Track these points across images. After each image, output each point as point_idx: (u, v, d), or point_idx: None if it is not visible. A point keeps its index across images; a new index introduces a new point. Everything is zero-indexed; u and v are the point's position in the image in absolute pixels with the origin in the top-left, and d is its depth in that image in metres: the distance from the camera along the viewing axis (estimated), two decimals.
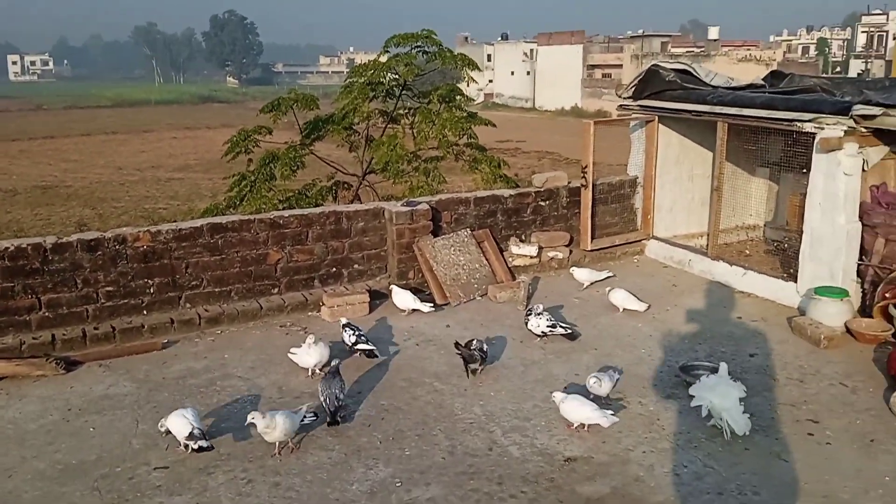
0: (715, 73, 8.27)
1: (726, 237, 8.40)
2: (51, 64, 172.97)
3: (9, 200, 25.86)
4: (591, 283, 7.49)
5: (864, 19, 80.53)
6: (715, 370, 4.94)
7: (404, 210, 7.23)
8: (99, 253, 6.14)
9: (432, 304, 6.83)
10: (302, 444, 4.55)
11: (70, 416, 4.92)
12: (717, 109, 7.38)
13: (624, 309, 6.79)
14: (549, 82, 69.36)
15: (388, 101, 11.18)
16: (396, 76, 10.83)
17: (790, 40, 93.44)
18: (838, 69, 76.20)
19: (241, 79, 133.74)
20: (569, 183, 8.52)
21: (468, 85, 11.42)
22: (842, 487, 4.11)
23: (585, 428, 4.67)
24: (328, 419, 4.71)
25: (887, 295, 6.14)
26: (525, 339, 6.17)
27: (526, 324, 6.18)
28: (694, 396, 4.76)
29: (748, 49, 64.19)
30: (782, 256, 7.92)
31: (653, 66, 8.36)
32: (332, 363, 4.98)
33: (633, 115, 8.57)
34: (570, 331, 6.15)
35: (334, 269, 7.18)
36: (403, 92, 11.07)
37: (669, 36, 68.35)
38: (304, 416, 4.57)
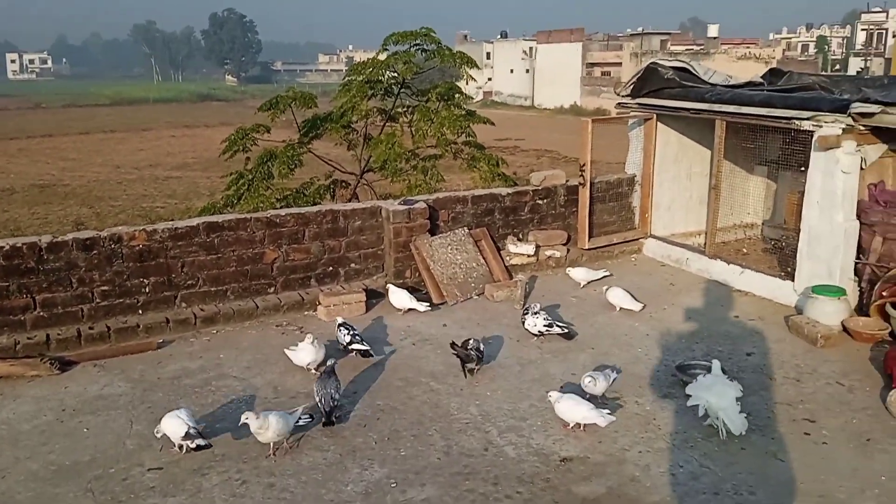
0: (713, 71, 8.24)
1: (724, 235, 8.39)
2: (49, 62, 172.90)
3: (6, 199, 25.83)
4: (588, 283, 7.47)
5: (864, 17, 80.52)
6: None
7: (401, 209, 7.21)
8: (94, 252, 6.12)
9: (429, 304, 6.81)
10: (297, 444, 4.53)
11: (64, 416, 4.90)
12: (716, 107, 7.36)
13: (620, 308, 6.78)
14: (549, 80, 69.28)
15: (387, 100, 11.16)
16: (395, 74, 10.81)
17: (790, 38, 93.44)
18: (838, 67, 76.20)
19: (240, 77, 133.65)
20: (566, 181, 8.50)
21: (467, 83, 11.40)
22: (838, 487, 4.10)
23: (581, 428, 4.65)
24: (323, 419, 4.69)
25: (884, 293, 6.13)
26: (522, 339, 6.15)
27: (523, 323, 6.16)
28: (691, 396, 4.75)
29: (747, 47, 64.14)
30: (780, 255, 7.91)
31: (651, 63, 8.33)
32: (328, 363, 4.96)
33: (632, 114, 8.55)
34: (566, 330, 6.14)
35: (331, 269, 7.16)
36: (402, 90, 11.05)
37: (669, 34, 68.36)
38: (300, 418, 4.55)
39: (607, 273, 7.64)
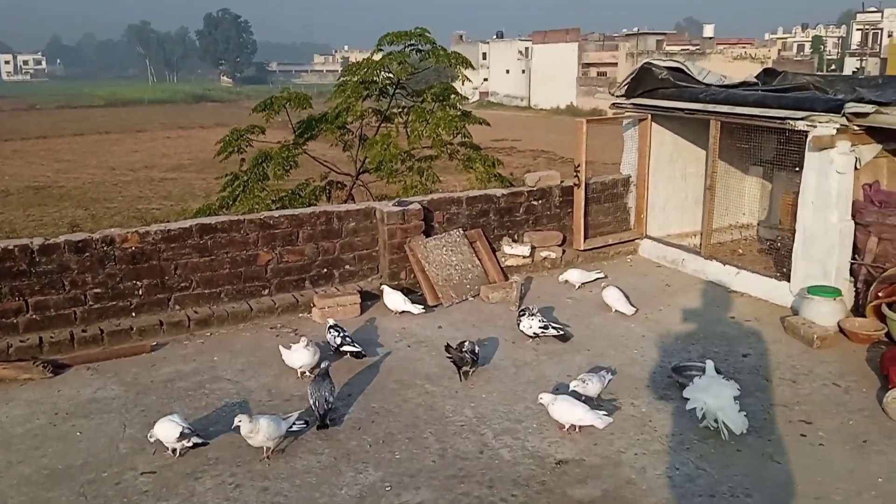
0: (708, 71, 8.24)
1: (720, 236, 8.38)
2: (44, 63, 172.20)
3: (1, 201, 25.74)
4: (583, 284, 7.46)
5: (859, 17, 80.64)
6: None
7: (395, 210, 7.19)
8: (87, 254, 6.08)
9: (423, 306, 6.78)
10: (290, 447, 4.50)
11: (57, 420, 4.87)
12: (710, 108, 7.35)
13: (616, 310, 6.76)
14: (545, 81, 69.31)
15: (382, 100, 11.15)
16: (390, 75, 10.80)
17: (785, 38, 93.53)
18: (833, 67, 76.34)
19: (235, 78, 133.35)
20: (561, 182, 8.48)
21: (463, 84, 11.39)
22: (834, 489, 4.08)
23: (577, 429, 4.64)
24: (317, 423, 4.66)
25: (880, 294, 6.12)
26: (517, 340, 6.13)
27: (518, 325, 6.15)
28: (689, 399, 4.73)
29: (743, 47, 64.31)
30: (775, 255, 7.90)
31: (645, 63, 8.33)
32: (322, 365, 4.94)
33: (626, 114, 8.54)
34: (562, 332, 6.12)
35: (325, 270, 7.13)
36: (397, 91, 11.03)
37: (665, 34, 68.32)
38: (294, 424, 4.52)
39: (601, 275, 7.62)
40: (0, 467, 4.32)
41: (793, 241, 6.90)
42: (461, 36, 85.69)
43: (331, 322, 5.93)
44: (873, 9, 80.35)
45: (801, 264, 6.75)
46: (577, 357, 5.83)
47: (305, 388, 4.91)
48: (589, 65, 68.46)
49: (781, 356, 5.85)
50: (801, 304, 6.45)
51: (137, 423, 4.78)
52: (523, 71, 74.38)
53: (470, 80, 11.57)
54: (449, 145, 10.68)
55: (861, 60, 73.05)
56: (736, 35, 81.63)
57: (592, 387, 4.91)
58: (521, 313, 6.17)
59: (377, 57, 11.08)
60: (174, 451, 4.38)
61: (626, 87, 8.41)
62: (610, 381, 5.10)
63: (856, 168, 6.48)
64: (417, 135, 10.49)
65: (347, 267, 7.24)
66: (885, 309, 5.99)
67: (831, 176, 6.42)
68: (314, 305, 6.64)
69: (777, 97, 6.96)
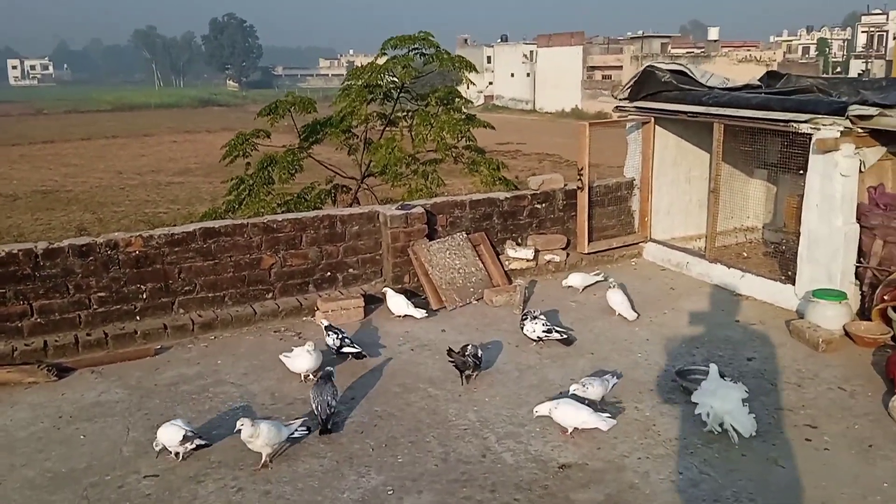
0: (711, 74, 8.24)
1: (724, 239, 8.36)
2: (51, 68, 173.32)
3: (9, 205, 25.82)
4: (586, 287, 7.44)
5: (864, 19, 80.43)
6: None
7: (399, 213, 7.19)
8: (91, 258, 6.10)
9: (425, 310, 6.78)
10: (293, 451, 4.50)
11: (61, 423, 4.89)
12: (713, 110, 7.33)
13: (619, 314, 6.74)
14: (549, 84, 69.27)
15: (387, 104, 11.16)
16: (394, 78, 10.81)
17: (790, 41, 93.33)
18: (838, 69, 76.07)
19: (240, 82, 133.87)
20: (565, 185, 8.48)
21: (468, 87, 11.39)
22: (839, 494, 4.06)
23: (573, 431, 4.61)
24: (320, 427, 4.66)
25: (886, 297, 6.09)
26: (521, 344, 6.12)
27: (522, 328, 6.14)
28: (697, 404, 4.70)
29: (748, 50, 64.08)
30: (780, 259, 7.87)
31: (648, 67, 8.32)
32: (325, 369, 4.93)
33: (630, 117, 8.53)
34: (565, 335, 6.10)
35: (329, 274, 7.14)
36: (401, 94, 11.05)
37: (669, 37, 68.32)
38: (296, 430, 4.52)
39: (601, 278, 7.56)
40: (4, 470, 4.33)
41: (798, 244, 6.87)
42: (466, 39, 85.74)
43: (325, 323, 5.94)
44: (878, 11, 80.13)
45: (806, 268, 6.72)
46: (581, 361, 5.82)
47: (308, 392, 4.92)
48: (594, 68, 68.39)
49: (786, 360, 5.83)
50: (806, 308, 6.42)
51: (141, 426, 4.79)
52: (528, 74, 74.37)
53: (474, 84, 11.57)
54: (453, 149, 10.69)
55: (866, 63, 72.83)
56: (741, 38, 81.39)
57: (594, 390, 4.89)
58: (525, 317, 6.16)
59: (381, 61, 11.09)
60: (177, 454, 4.39)
61: (629, 90, 8.41)
62: (615, 384, 5.08)
63: (860, 171, 6.45)
64: (422, 138, 10.51)
65: (351, 270, 7.24)
66: (890, 312, 5.96)
67: (836, 179, 6.40)
68: (318, 309, 6.65)
69: (780, 100, 6.94)
